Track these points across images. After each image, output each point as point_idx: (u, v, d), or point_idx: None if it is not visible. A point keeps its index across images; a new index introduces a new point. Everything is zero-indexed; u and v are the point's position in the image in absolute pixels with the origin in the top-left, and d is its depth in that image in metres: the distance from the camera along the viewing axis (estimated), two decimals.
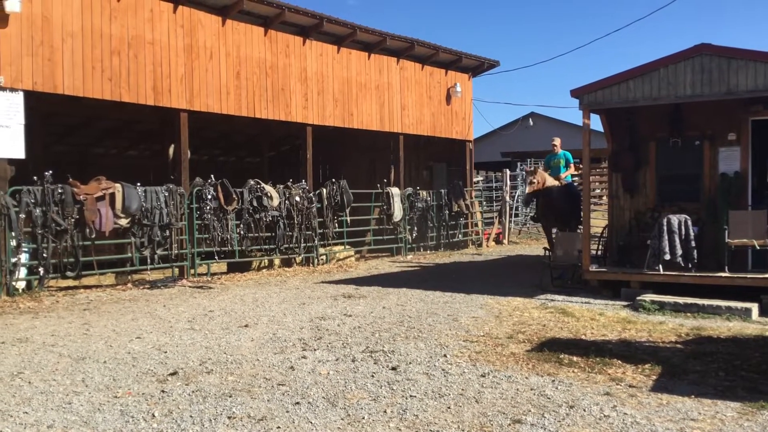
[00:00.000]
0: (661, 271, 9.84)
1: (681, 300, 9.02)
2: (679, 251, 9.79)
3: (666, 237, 9.82)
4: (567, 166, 14.23)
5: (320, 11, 15.27)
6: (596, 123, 12.10)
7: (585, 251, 10.61)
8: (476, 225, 20.68)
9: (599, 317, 8.47)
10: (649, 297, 9.30)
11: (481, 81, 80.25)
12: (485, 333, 7.56)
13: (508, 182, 22.32)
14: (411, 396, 5.25)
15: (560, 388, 5.45)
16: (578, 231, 12.94)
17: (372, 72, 17.50)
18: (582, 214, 11.56)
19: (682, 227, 9.87)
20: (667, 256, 9.79)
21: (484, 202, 22.26)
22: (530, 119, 36.92)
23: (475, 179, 23.06)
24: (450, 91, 19.98)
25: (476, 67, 20.88)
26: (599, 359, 6.27)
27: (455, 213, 19.01)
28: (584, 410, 4.91)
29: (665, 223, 9.84)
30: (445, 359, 6.36)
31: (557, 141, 14.64)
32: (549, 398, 5.18)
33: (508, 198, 21.97)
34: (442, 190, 18.99)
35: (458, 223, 19.40)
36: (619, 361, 6.21)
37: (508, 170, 22.94)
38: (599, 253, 12.00)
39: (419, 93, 19.03)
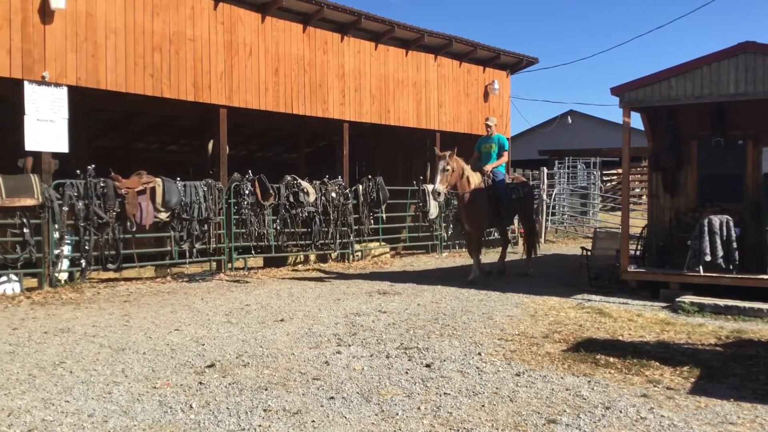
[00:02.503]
0: (702, 273, 9.66)
1: (721, 302, 8.85)
2: (720, 252, 9.60)
3: (707, 238, 9.65)
4: (500, 154, 12.21)
5: (359, 8, 15.33)
6: (636, 121, 11.94)
7: (623, 251, 10.48)
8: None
9: (637, 318, 8.36)
10: (688, 298, 9.15)
11: (519, 78, 79.55)
12: (520, 332, 7.52)
13: (546, 180, 22.12)
14: (445, 393, 5.26)
15: (596, 388, 5.40)
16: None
17: (409, 69, 17.49)
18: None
19: (724, 228, 9.68)
20: (708, 258, 9.61)
21: None
22: (569, 117, 36.55)
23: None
24: (487, 89, 19.87)
25: (514, 64, 20.73)
26: (636, 360, 6.20)
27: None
28: (620, 411, 4.86)
29: (706, 224, 9.67)
30: (480, 357, 6.35)
31: (492, 121, 12.59)
32: (585, 399, 5.14)
33: (545, 196, 21.78)
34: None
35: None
36: (657, 363, 6.13)
37: (545, 168, 22.74)
38: (638, 253, 11.83)
39: (456, 90, 18.96)
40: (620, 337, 7.31)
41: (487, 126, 12.42)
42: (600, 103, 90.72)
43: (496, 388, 5.39)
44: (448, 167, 11.00)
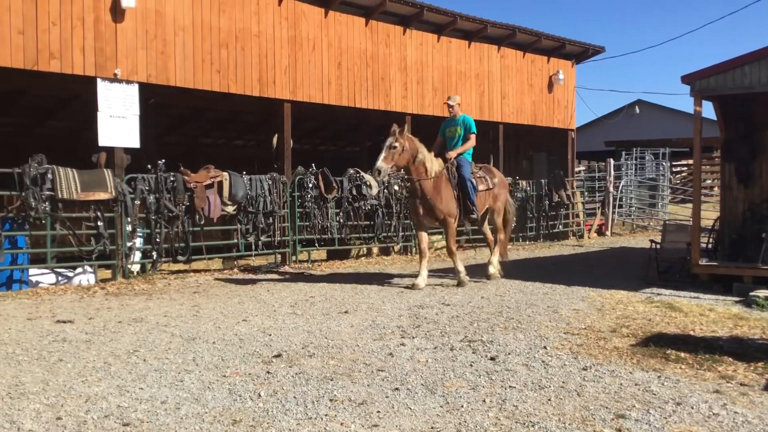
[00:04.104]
0: None
1: None
2: None
3: None
4: (467, 137, 10.54)
5: (421, 0, 15.27)
6: (708, 110, 11.51)
7: (694, 244, 10.19)
8: (577, 216, 20.21)
9: (709, 313, 8.13)
10: (763, 293, 8.83)
11: (584, 68, 77.90)
12: (587, 326, 7.40)
13: (612, 172, 21.66)
14: (510, 387, 5.22)
15: (666, 384, 5.28)
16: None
17: (472, 60, 17.36)
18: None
19: None
20: None
21: (586, 193, 21.67)
22: (636, 107, 35.68)
23: (576, 169, 22.53)
24: (552, 79, 19.56)
25: (580, 53, 20.35)
26: (708, 356, 6.03)
27: (556, 203, 18.63)
28: (692, 407, 4.74)
29: None
30: (545, 351, 6.28)
31: (455, 100, 10.85)
32: (654, 394, 5.03)
33: (611, 188, 21.33)
34: (542, 180, 18.65)
35: (558, 214, 18.99)
36: (730, 359, 5.95)
37: (612, 160, 22.26)
38: (709, 246, 11.48)
39: (520, 81, 18.73)
40: (691, 332, 7.11)
41: (449, 106, 10.78)
42: (669, 92, 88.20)
43: (563, 382, 5.32)
44: (396, 144, 9.60)
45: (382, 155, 9.57)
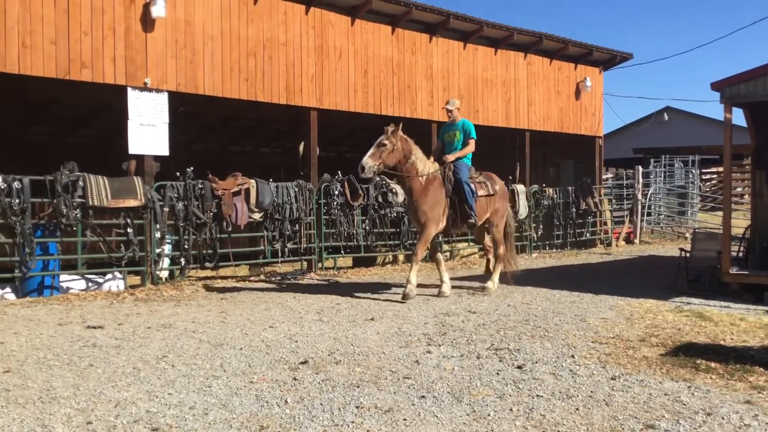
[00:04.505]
0: None
1: None
2: None
3: None
4: (466, 142, 10.23)
5: (446, 8, 15.30)
6: (738, 117, 11.36)
7: (725, 253, 10.05)
8: (605, 224, 20.02)
9: (740, 322, 8.01)
10: None
11: (612, 75, 77.35)
12: (615, 335, 7.33)
13: (641, 180, 21.45)
14: (537, 395, 5.19)
15: (697, 394, 5.21)
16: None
17: (498, 67, 17.33)
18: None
19: None
20: None
21: (614, 201, 21.48)
22: (665, 114, 35.32)
23: (604, 176, 22.33)
24: (579, 86, 19.45)
25: (607, 60, 20.20)
26: (739, 366, 5.94)
27: (583, 211, 18.50)
28: (723, 418, 4.67)
29: None
30: (573, 360, 6.23)
31: (454, 104, 10.49)
32: (684, 404, 4.97)
33: (640, 196, 21.12)
34: (570, 188, 18.52)
35: (586, 222, 18.85)
36: (762, 369, 5.85)
37: (640, 167, 22.05)
38: (740, 255, 11.31)
39: (547, 88, 18.65)
40: (722, 342, 7.01)
41: (448, 111, 10.46)
42: (699, 99, 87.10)
43: (591, 392, 5.28)
44: (386, 142, 9.44)
45: (370, 152, 9.41)
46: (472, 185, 10.11)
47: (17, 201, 9.58)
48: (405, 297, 9.47)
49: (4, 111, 16.17)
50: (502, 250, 10.77)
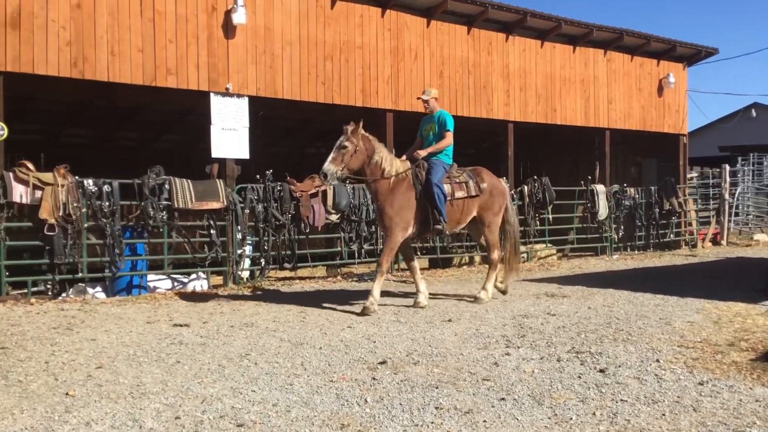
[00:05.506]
0: None
1: None
2: None
3: None
4: (440, 135, 9.23)
5: (524, 6, 15.13)
6: None
7: None
8: (690, 224, 19.37)
9: None
10: None
11: (696, 70, 74.86)
12: (702, 339, 7.07)
13: (728, 178, 20.65)
14: (621, 400, 5.06)
15: None
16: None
17: (576, 65, 17.01)
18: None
19: None
20: None
21: (700, 200, 20.77)
22: (753, 110, 33.86)
23: (689, 175, 21.60)
24: (662, 82, 18.88)
25: (692, 55, 19.54)
26: None
27: (666, 212, 17.94)
28: None
29: None
30: (658, 364, 6.05)
31: (430, 94, 9.51)
32: None
33: (727, 195, 20.34)
34: (652, 188, 18.01)
35: (669, 223, 18.27)
36: None
37: (727, 166, 21.22)
38: None
39: (627, 85, 18.18)
40: None
41: (424, 102, 9.48)
42: None
43: (678, 397, 5.11)
44: (347, 144, 8.47)
45: (330, 156, 8.46)
46: (446, 186, 8.98)
47: (107, 204, 10.02)
48: (364, 311, 8.47)
49: (95, 118, 16.94)
50: (496, 254, 9.68)
